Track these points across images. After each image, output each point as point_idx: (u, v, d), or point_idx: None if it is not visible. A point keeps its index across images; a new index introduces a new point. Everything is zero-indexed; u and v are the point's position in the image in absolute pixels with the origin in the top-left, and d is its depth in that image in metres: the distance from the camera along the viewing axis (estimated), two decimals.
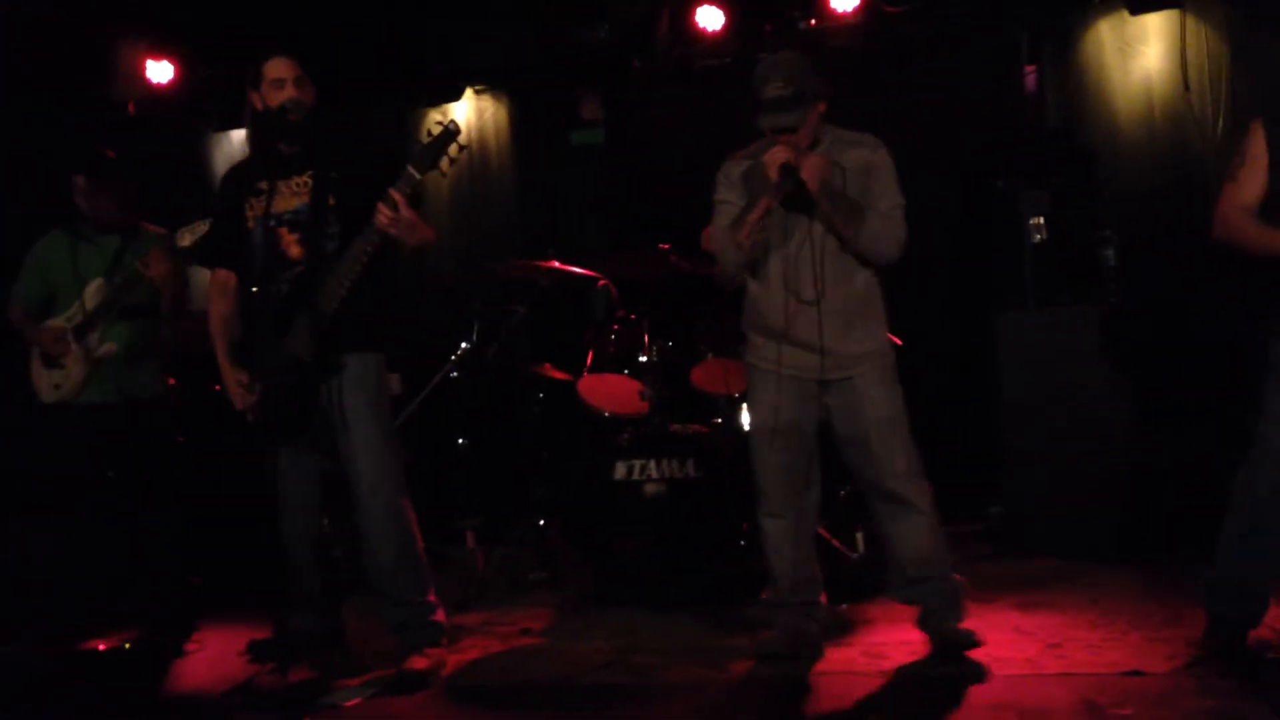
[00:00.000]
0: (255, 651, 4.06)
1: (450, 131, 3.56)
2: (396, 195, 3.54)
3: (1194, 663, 3.39)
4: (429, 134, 3.57)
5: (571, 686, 3.66)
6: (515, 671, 3.85)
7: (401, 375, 5.13)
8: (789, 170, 3.44)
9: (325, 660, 3.87)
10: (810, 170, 3.47)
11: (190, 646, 4.35)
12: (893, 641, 3.83)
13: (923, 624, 3.74)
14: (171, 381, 4.63)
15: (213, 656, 4.22)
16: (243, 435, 3.81)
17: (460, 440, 5.24)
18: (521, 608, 4.63)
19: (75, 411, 4.46)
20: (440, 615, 3.88)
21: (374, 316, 3.78)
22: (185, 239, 4.19)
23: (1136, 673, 3.36)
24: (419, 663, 3.77)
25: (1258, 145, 3.43)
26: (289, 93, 3.71)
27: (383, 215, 3.56)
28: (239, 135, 6.67)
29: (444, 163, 3.57)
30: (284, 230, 3.72)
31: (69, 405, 4.46)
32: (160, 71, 6.38)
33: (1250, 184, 3.43)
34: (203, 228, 4.12)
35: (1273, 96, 3.48)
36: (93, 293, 4.45)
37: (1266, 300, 3.42)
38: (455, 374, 5.22)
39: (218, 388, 3.93)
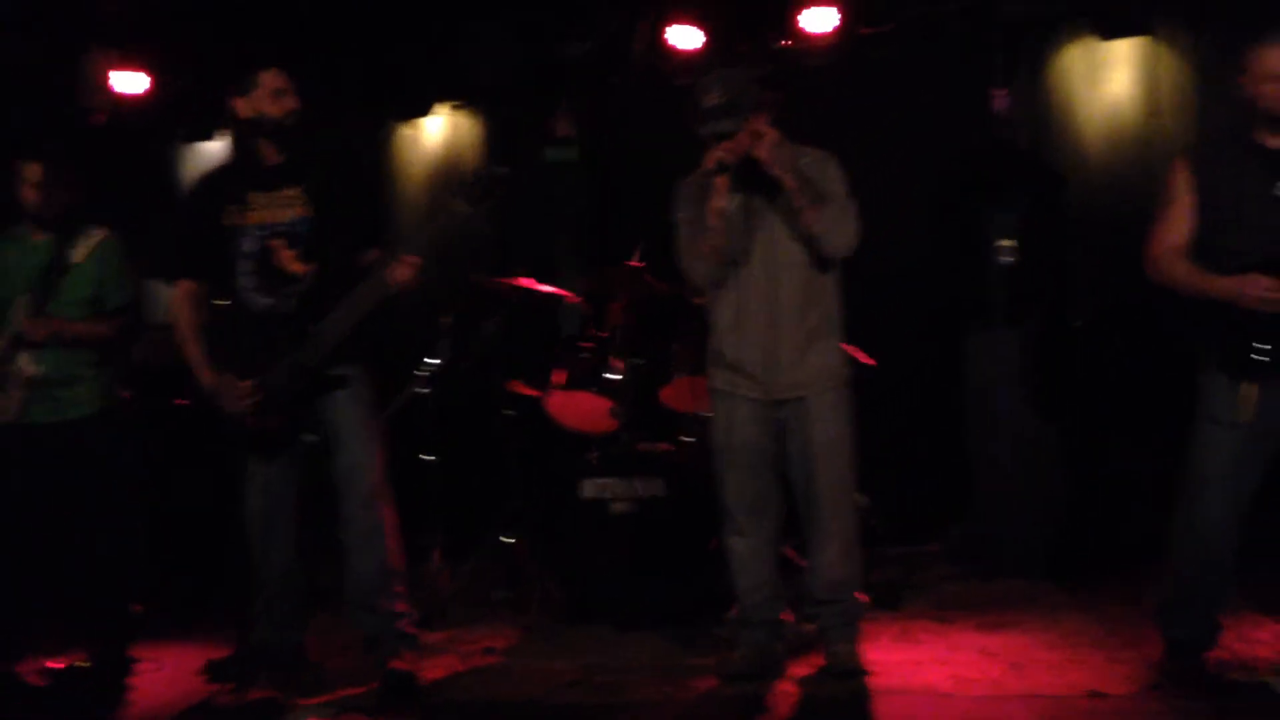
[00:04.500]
0: (214, 670, 4.00)
1: (500, 176, 3.64)
2: (413, 259, 3.59)
3: (1154, 685, 3.42)
4: (476, 173, 3.66)
5: (536, 706, 3.65)
6: (479, 691, 3.84)
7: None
8: (721, 161, 3.49)
9: (285, 679, 3.83)
10: (766, 146, 3.51)
11: (147, 666, 4.26)
12: None
13: (819, 639, 3.80)
14: (126, 395, 4.41)
15: (170, 676, 4.17)
16: (211, 448, 3.77)
17: (428, 457, 5.21)
18: (486, 626, 4.60)
19: (25, 432, 4.16)
20: (413, 628, 3.90)
21: (368, 329, 3.79)
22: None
23: (1098, 694, 3.38)
24: (403, 662, 3.78)
25: (1182, 184, 3.45)
26: (291, 102, 3.73)
27: (400, 274, 3.59)
28: (208, 147, 6.64)
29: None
30: (278, 242, 3.73)
31: (16, 426, 4.16)
32: (130, 82, 6.34)
33: (1178, 223, 3.45)
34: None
35: (1238, 125, 3.50)
36: (20, 308, 4.14)
37: (1196, 335, 3.43)
38: (424, 390, 5.19)
39: (179, 401, 3.89)
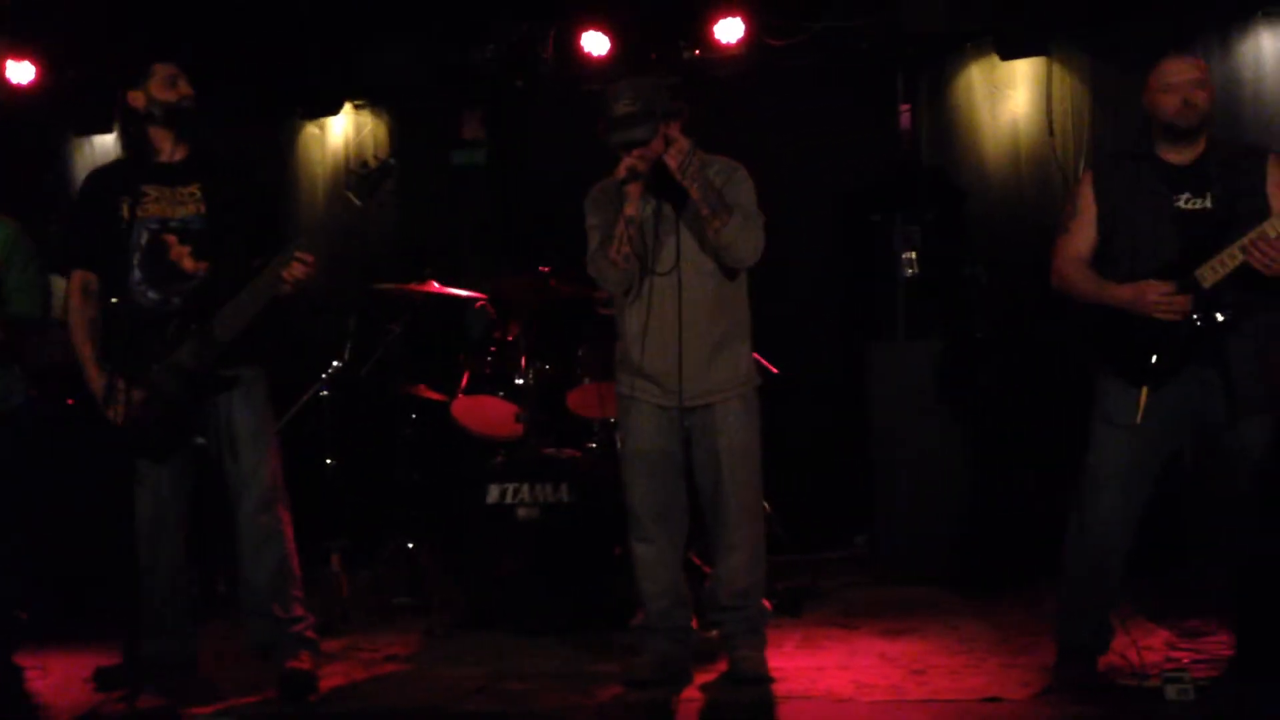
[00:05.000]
0: (102, 678, 3.86)
1: (389, 167, 3.59)
2: (307, 256, 3.53)
3: (1049, 689, 3.49)
4: (366, 165, 3.61)
5: (439, 713, 3.60)
6: (380, 699, 3.76)
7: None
8: (633, 169, 3.50)
9: (176, 687, 3.72)
10: (674, 153, 3.52)
11: (33, 673, 4.11)
12: None
13: (724, 645, 3.81)
14: (33, 393, 4.18)
15: (57, 683, 4.01)
16: (104, 450, 3.67)
17: (328, 460, 5.12)
18: (387, 633, 4.52)
19: None
20: (312, 632, 3.84)
21: (264, 329, 3.73)
22: None
23: (995, 699, 3.44)
24: (302, 663, 3.72)
25: (1086, 196, 3.57)
26: (183, 89, 3.68)
27: (295, 271, 3.53)
28: (101, 140, 6.45)
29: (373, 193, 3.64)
30: (173, 238, 3.67)
31: None
32: (20, 72, 6.13)
33: (1081, 234, 3.57)
34: None
35: (1137, 141, 3.62)
36: None
37: (1094, 341, 3.55)
38: (325, 392, 5.11)
39: (71, 401, 3.76)
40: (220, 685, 3.83)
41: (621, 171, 3.53)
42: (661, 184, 3.61)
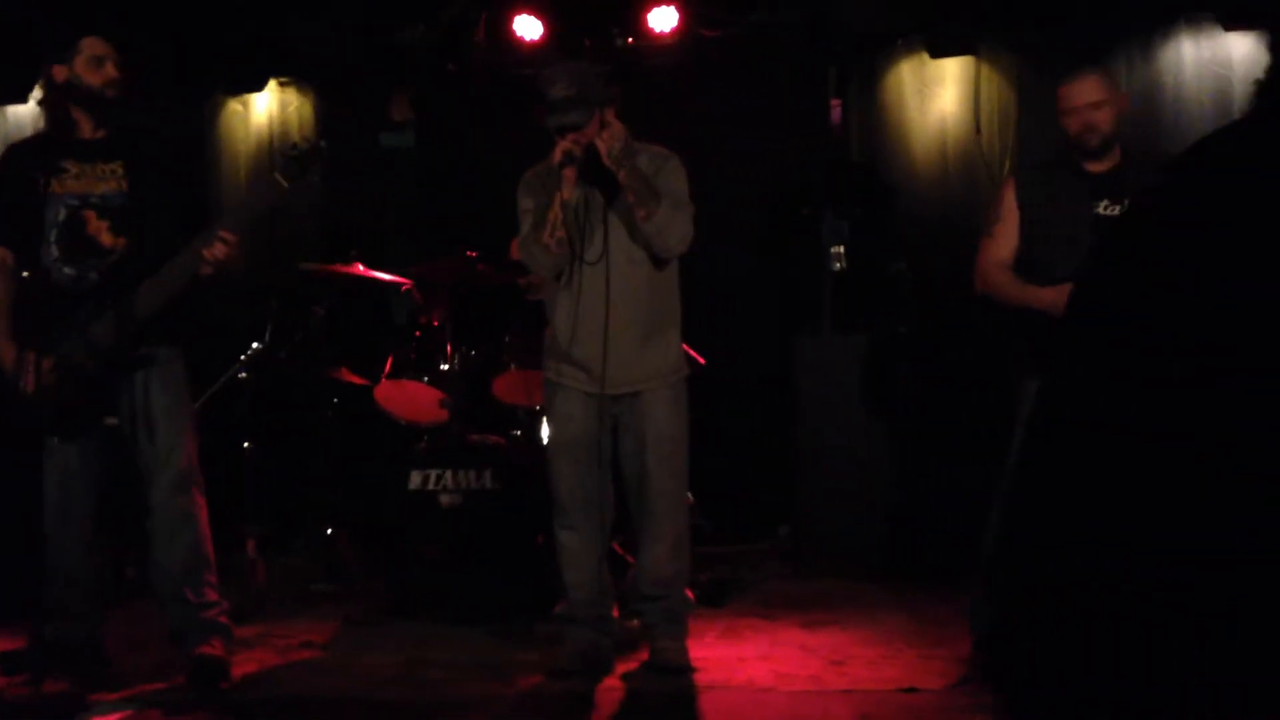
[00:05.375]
0: (5, 663, 3.75)
1: (319, 150, 3.53)
2: (230, 235, 3.47)
3: (964, 679, 3.53)
4: (295, 147, 3.54)
5: (354, 702, 3.54)
6: (295, 686, 3.70)
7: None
8: (569, 154, 3.48)
9: (83, 673, 3.62)
10: (605, 138, 3.51)
11: None
12: None
13: (646, 635, 3.82)
14: None
15: None
16: (12, 429, 3.56)
17: (246, 444, 5.02)
18: (305, 620, 4.45)
19: None
20: (226, 618, 3.77)
21: (182, 308, 3.66)
22: None
23: (912, 689, 3.47)
24: (213, 649, 3.65)
25: (1009, 203, 3.68)
26: (109, 72, 3.59)
27: (217, 251, 3.46)
28: (16, 111, 6.26)
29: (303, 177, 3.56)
30: (92, 214, 3.59)
31: None
32: None
33: (1004, 239, 3.67)
34: None
35: (1059, 145, 3.72)
36: None
37: (1018, 343, 3.62)
38: (244, 374, 5.01)
39: None
40: (128, 671, 3.74)
41: (557, 155, 3.51)
42: (594, 170, 3.59)
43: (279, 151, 3.66)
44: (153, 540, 3.68)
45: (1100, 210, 3.52)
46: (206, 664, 3.62)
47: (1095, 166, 3.58)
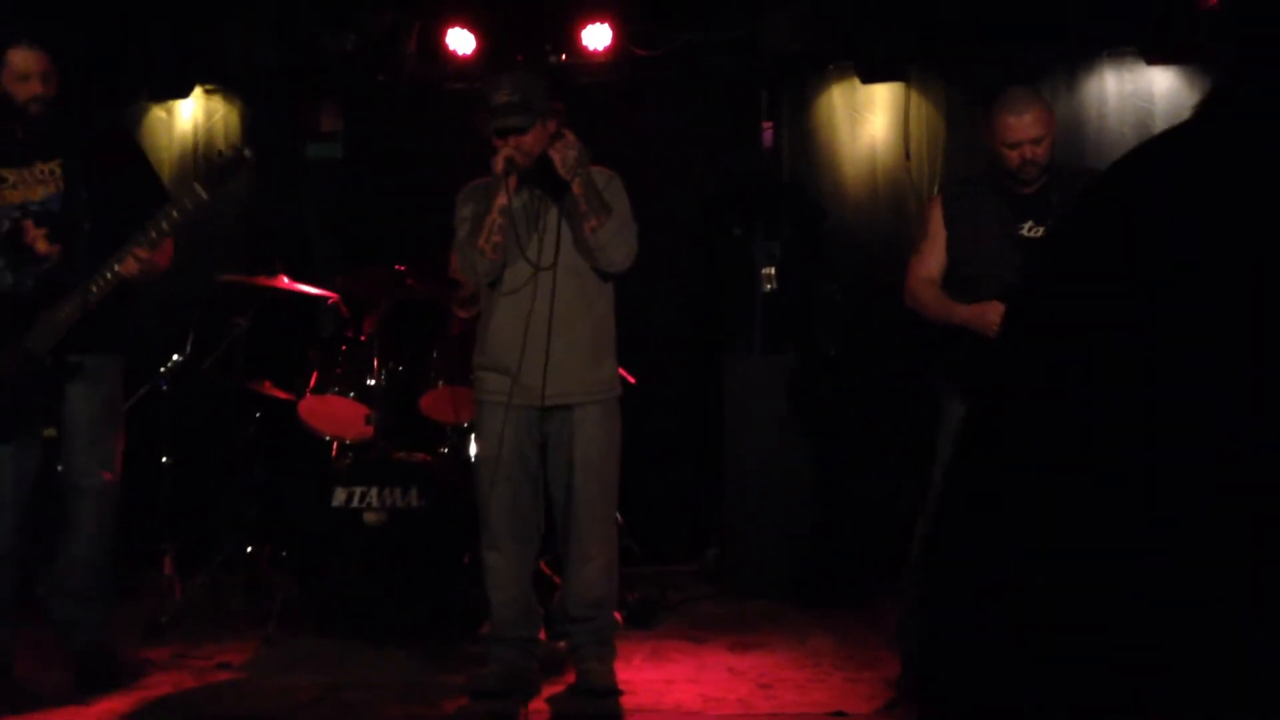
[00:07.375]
0: None
1: (243, 159, 3.56)
2: (143, 253, 3.49)
3: (892, 703, 3.55)
4: (220, 155, 3.58)
5: None
6: (210, 707, 3.62)
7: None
8: (511, 161, 3.46)
9: None
10: (561, 146, 3.50)
11: None
12: None
13: (570, 656, 3.79)
14: None
15: None
16: None
17: (164, 458, 4.89)
18: (221, 640, 4.34)
19: None
20: (113, 622, 3.80)
21: (115, 316, 3.67)
22: None
23: (840, 713, 3.48)
24: (103, 640, 3.67)
25: (936, 220, 3.71)
26: (34, 88, 3.57)
27: (129, 267, 3.49)
28: None
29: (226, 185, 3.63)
30: (30, 223, 3.59)
31: None
32: None
33: (931, 256, 3.70)
34: None
35: (986, 168, 3.75)
36: None
37: (942, 360, 3.67)
38: (164, 386, 4.88)
39: None
40: (38, 691, 3.62)
41: (499, 162, 3.47)
42: (543, 180, 3.57)
43: (201, 159, 3.65)
44: (60, 545, 3.68)
45: (1024, 232, 3.55)
46: (92, 652, 3.63)
47: (1021, 188, 3.61)
